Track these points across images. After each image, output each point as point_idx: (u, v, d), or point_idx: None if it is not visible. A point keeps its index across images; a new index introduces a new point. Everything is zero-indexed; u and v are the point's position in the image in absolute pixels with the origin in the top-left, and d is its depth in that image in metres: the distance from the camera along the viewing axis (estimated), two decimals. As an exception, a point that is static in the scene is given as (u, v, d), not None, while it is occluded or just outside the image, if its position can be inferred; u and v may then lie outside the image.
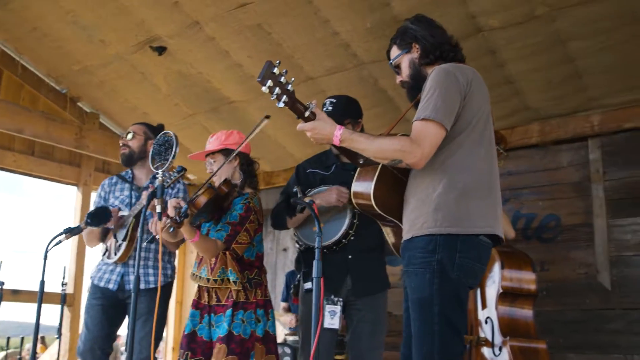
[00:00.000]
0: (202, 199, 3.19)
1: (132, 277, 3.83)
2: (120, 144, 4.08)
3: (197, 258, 3.45)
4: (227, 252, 3.31)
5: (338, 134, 2.55)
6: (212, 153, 3.48)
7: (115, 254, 3.84)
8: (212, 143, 3.49)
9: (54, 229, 3.67)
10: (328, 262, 3.53)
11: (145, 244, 3.16)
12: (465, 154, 2.58)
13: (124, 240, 3.82)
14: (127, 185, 4.06)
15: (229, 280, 3.30)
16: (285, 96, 2.45)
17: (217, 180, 3.41)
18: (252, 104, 5.58)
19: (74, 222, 6.21)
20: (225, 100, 5.57)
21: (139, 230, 2.93)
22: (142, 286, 3.81)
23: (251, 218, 3.34)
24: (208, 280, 3.34)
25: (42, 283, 3.64)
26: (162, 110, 5.85)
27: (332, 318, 3.45)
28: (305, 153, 6.22)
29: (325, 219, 3.52)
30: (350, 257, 3.55)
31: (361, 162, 2.69)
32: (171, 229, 3.02)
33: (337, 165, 3.69)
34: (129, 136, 4.06)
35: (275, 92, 2.45)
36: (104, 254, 3.96)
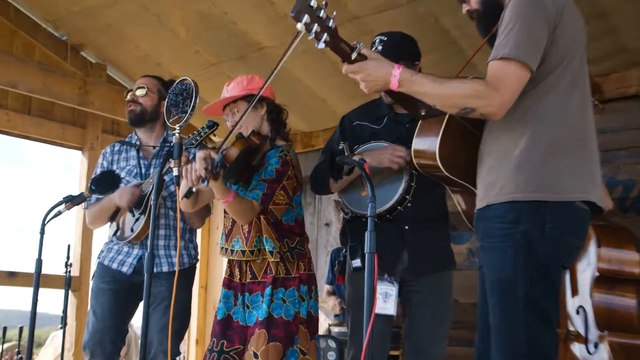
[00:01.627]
0: (233, 151, 3.15)
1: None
2: (128, 99, 4.03)
3: (225, 228, 3.44)
4: (262, 217, 3.29)
5: (397, 74, 2.46)
6: (233, 102, 3.44)
7: (132, 231, 3.81)
8: (232, 90, 3.47)
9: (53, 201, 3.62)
10: (380, 233, 3.49)
11: (182, 198, 3.12)
12: (555, 101, 2.48)
13: (142, 213, 3.79)
14: (132, 152, 4.04)
15: (265, 250, 3.28)
16: (325, 34, 2.36)
17: (243, 132, 3.38)
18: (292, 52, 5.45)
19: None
20: (255, 46, 5.52)
21: (153, 198, 2.86)
22: (164, 268, 3.81)
23: (289, 173, 3.33)
24: (244, 252, 3.32)
25: (39, 262, 3.61)
26: (179, 59, 5.82)
27: (385, 302, 3.40)
28: (351, 107, 6.15)
29: (377, 182, 3.44)
30: (406, 227, 3.50)
31: (423, 112, 2.64)
32: (205, 183, 2.97)
33: (390, 117, 3.62)
34: (141, 91, 4.01)
35: (314, 30, 2.36)
36: (115, 232, 3.94)
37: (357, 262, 3.49)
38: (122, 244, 3.90)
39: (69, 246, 5.23)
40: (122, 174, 3.94)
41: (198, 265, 4.14)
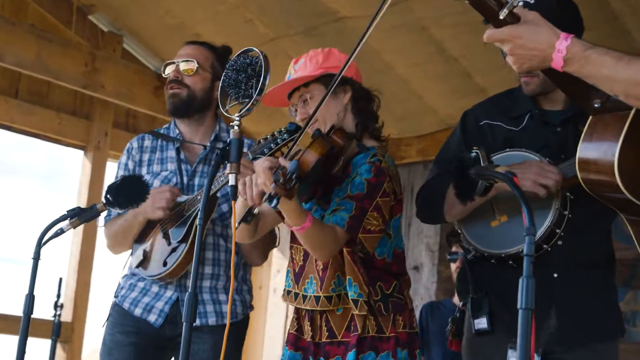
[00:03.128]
0: (311, 157, 3.04)
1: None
2: (170, 78, 3.92)
3: (295, 265, 3.39)
4: (345, 249, 3.21)
5: (563, 47, 2.37)
6: (304, 85, 3.37)
7: (165, 265, 3.76)
8: (303, 68, 3.41)
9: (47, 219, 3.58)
10: (513, 283, 3.37)
11: (238, 223, 3.06)
12: None
13: (182, 241, 3.74)
14: (171, 152, 3.98)
15: (347, 297, 3.21)
16: None
17: (320, 128, 3.34)
18: (376, 24, 5.40)
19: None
20: (330, 16, 5.54)
21: (199, 218, 2.78)
22: (210, 320, 3.79)
23: (385, 187, 3.26)
24: (317, 299, 3.25)
25: (30, 300, 3.52)
26: (225, 30, 5.82)
27: None
28: (458, 108, 6.08)
29: (512, 209, 3.35)
30: (555, 275, 3.38)
31: (597, 104, 2.63)
32: (272, 202, 2.86)
33: (534, 115, 3.51)
34: (188, 66, 3.93)
35: None
36: (141, 263, 3.90)
37: (482, 322, 3.41)
38: (150, 280, 3.85)
39: (60, 280, 5.18)
40: (156, 183, 3.89)
41: (285, 328, 4.11)
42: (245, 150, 3.70)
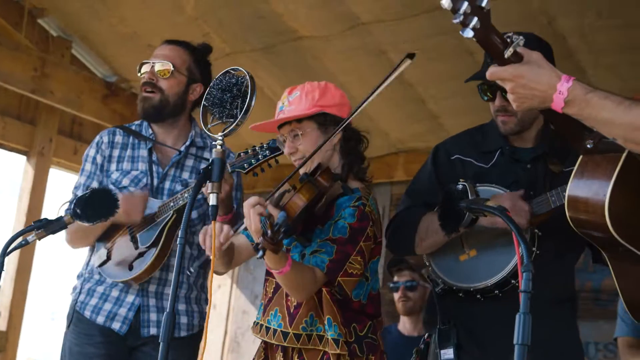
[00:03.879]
0: (300, 202, 3.03)
1: (152, 316, 3.76)
2: (144, 80, 3.86)
3: (265, 297, 3.36)
4: (324, 289, 3.18)
5: (564, 89, 2.39)
6: (297, 120, 3.33)
7: (131, 269, 3.73)
8: (297, 102, 3.36)
9: None
10: (482, 317, 3.43)
11: (191, 270, 3.07)
12: None
13: (151, 246, 3.70)
14: (142, 152, 3.90)
15: (320, 338, 3.17)
16: (476, 19, 2.28)
17: (305, 168, 3.29)
18: (333, 44, 5.52)
19: (17, 213, 6.15)
20: (289, 35, 5.55)
21: (180, 235, 2.74)
22: (182, 332, 3.79)
23: (368, 232, 3.22)
24: (285, 335, 3.21)
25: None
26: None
27: None
28: (409, 133, 6.14)
29: (483, 243, 3.40)
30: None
31: (589, 145, 2.63)
32: (259, 254, 2.83)
33: (504, 152, 3.55)
34: (163, 67, 3.86)
35: (462, 10, 2.28)
36: (102, 263, 3.83)
37: (448, 353, 3.41)
38: (109, 283, 3.81)
39: (-3, 290, 5.10)
40: (125, 182, 3.85)
41: (224, 345, 4.08)
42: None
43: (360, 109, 3.09)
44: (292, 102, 3.35)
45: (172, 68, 3.85)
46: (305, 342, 3.18)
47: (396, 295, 5.58)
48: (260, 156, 3.39)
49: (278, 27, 5.46)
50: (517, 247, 2.47)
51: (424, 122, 5.89)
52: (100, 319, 3.77)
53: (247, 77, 2.99)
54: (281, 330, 3.22)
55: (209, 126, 3.00)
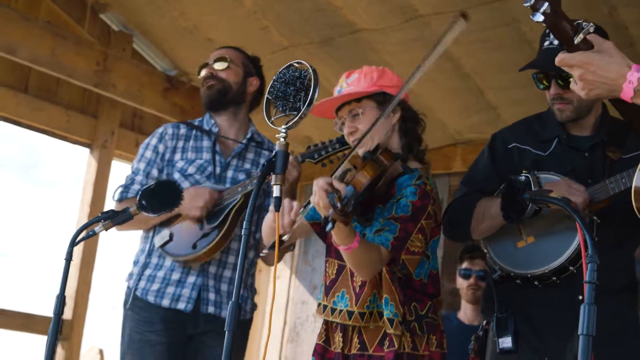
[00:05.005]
0: (364, 179, 3.08)
1: (211, 295, 3.89)
2: (204, 75, 4.09)
3: (327, 278, 3.40)
4: (384, 269, 3.24)
5: (634, 78, 2.35)
6: (356, 100, 3.39)
7: (194, 247, 3.84)
8: (356, 83, 3.42)
9: (54, 218, 3.61)
10: (541, 304, 3.47)
11: (265, 252, 3.25)
12: None
13: (216, 227, 3.82)
14: (205, 142, 4.04)
15: (380, 315, 3.22)
16: (546, 4, 2.29)
17: (365, 147, 3.33)
18: (391, 37, 5.51)
19: (81, 205, 6.25)
20: (347, 28, 5.54)
21: (244, 227, 2.79)
22: (223, 314, 3.86)
23: (429, 210, 3.28)
24: (350, 314, 3.26)
25: (61, 300, 3.59)
26: (239, 35, 5.77)
27: None
28: (467, 124, 6.14)
29: (542, 229, 3.42)
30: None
31: None
32: (329, 227, 2.90)
33: (562, 140, 3.58)
34: (221, 64, 4.08)
35: None
36: (164, 244, 3.94)
37: (507, 342, 3.42)
38: (169, 266, 3.92)
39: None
40: (190, 170, 3.98)
41: (284, 335, 4.14)
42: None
43: (415, 78, 3.12)
44: (351, 84, 3.42)
45: (228, 62, 4.07)
46: (368, 319, 3.23)
47: (465, 283, 5.52)
48: (330, 148, 3.52)
49: (336, 20, 5.46)
50: (582, 239, 2.45)
51: (482, 113, 5.88)
52: (165, 302, 3.88)
53: (310, 70, 3.02)
54: (347, 310, 3.27)
55: (273, 119, 3.00)
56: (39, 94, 6.08)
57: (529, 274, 3.38)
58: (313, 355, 3.39)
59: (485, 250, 3.59)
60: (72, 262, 5.96)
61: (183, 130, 4.11)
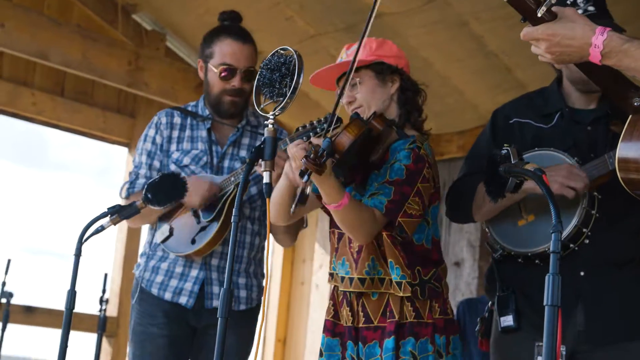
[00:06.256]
0: (346, 138, 3.06)
1: (215, 289, 3.89)
2: (236, 89, 3.98)
3: (332, 249, 3.43)
4: (385, 233, 3.24)
5: (599, 42, 2.39)
6: (355, 70, 3.33)
7: (194, 243, 3.85)
8: (356, 54, 3.37)
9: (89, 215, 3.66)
10: (540, 282, 3.36)
11: (293, 208, 3.12)
12: None
13: (213, 220, 3.83)
14: (201, 132, 4.04)
15: (382, 281, 3.24)
16: None
17: (362, 113, 3.38)
18: (413, 20, 5.52)
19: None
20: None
21: (235, 209, 2.82)
22: (241, 306, 3.91)
23: (424, 173, 3.28)
24: (351, 281, 3.28)
25: (72, 295, 3.60)
26: (265, 27, 5.85)
27: None
28: (498, 103, 6.07)
29: (540, 208, 3.38)
30: (582, 274, 3.39)
31: (636, 102, 2.63)
32: (305, 178, 2.89)
33: (564, 114, 3.53)
34: (246, 74, 4.00)
35: None
36: (165, 239, 3.97)
37: (508, 320, 3.42)
38: (173, 258, 3.94)
39: (105, 276, 5.28)
40: (186, 160, 3.98)
41: (275, 311, 4.14)
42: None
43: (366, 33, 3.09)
44: (350, 54, 3.40)
45: (253, 71, 3.96)
46: (369, 285, 3.24)
47: None
48: (318, 129, 3.48)
49: (358, 5, 5.46)
50: (553, 211, 2.42)
51: (512, 92, 5.78)
52: (167, 295, 3.90)
53: (295, 55, 3.03)
54: (348, 277, 3.29)
55: (262, 106, 3.04)
56: (75, 97, 6.23)
57: (529, 253, 3.35)
58: (323, 332, 3.40)
59: (487, 230, 3.57)
60: (115, 259, 6.18)
61: (178, 118, 4.09)
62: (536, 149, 3.46)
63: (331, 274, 3.42)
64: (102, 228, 3.63)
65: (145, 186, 3.63)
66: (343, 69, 3.39)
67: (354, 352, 3.29)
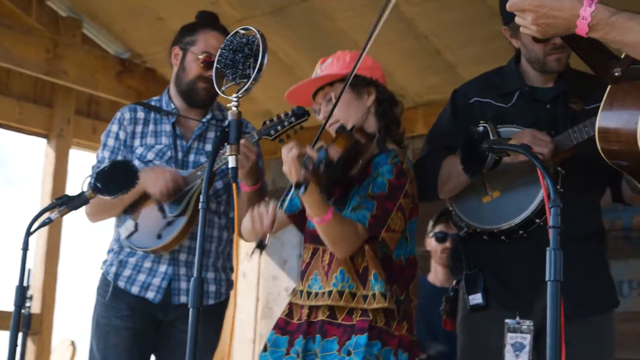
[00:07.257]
0: (334, 151, 3.05)
1: (183, 284, 3.84)
2: (210, 76, 3.85)
3: (302, 264, 3.39)
4: (367, 247, 3.21)
5: (587, 13, 2.37)
6: (329, 84, 3.39)
7: (160, 238, 3.78)
8: (330, 68, 3.43)
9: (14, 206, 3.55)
10: (509, 257, 3.46)
11: (251, 254, 3.16)
12: None
13: (179, 215, 3.76)
14: (165, 126, 3.97)
15: (353, 295, 3.19)
16: None
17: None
18: (343, 3, 5.50)
19: (42, 197, 6.21)
20: None
21: (202, 200, 2.73)
22: (210, 300, 3.89)
23: (406, 189, 3.27)
24: (329, 294, 3.21)
25: (21, 291, 3.58)
26: (189, 12, 5.53)
27: (517, 356, 3.29)
28: (427, 85, 6.13)
29: (505, 183, 3.41)
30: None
31: (617, 72, 2.59)
32: (301, 190, 2.89)
33: (523, 92, 3.57)
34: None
35: None
36: (129, 235, 3.88)
37: (477, 298, 3.44)
38: (140, 254, 3.87)
39: (29, 271, 5.10)
40: (150, 156, 3.91)
41: (257, 312, 4.08)
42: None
43: (366, 49, 3.08)
44: (325, 69, 3.41)
45: None
46: (336, 298, 3.18)
47: (440, 246, 5.50)
48: (286, 122, 3.47)
49: (286, -12, 5.44)
50: (543, 182, 2.41)
51: (441, 74, 5.85)
52: (135, 289, 3.84)
53: (258, 35, 2.95)
54: (327, 291, 3.23)
55: (223, 88, 2.95)
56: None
57: (495, 229, 3.37)
58: (273, 329, 3.35)
59: (450, 208, 3.58)
60: (36, 255, 6.02)
61: (141, 113, 4.02)
62: (498, 125, 3.37)
63: (298, 292, 3.34)
64: (49, 220, 3.56)
65: (94, 175, 3.49)
66: (317, 85, 3.39)
67: (301, 346, 3.24)
